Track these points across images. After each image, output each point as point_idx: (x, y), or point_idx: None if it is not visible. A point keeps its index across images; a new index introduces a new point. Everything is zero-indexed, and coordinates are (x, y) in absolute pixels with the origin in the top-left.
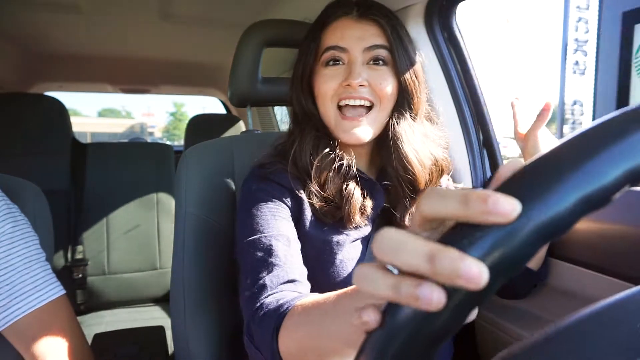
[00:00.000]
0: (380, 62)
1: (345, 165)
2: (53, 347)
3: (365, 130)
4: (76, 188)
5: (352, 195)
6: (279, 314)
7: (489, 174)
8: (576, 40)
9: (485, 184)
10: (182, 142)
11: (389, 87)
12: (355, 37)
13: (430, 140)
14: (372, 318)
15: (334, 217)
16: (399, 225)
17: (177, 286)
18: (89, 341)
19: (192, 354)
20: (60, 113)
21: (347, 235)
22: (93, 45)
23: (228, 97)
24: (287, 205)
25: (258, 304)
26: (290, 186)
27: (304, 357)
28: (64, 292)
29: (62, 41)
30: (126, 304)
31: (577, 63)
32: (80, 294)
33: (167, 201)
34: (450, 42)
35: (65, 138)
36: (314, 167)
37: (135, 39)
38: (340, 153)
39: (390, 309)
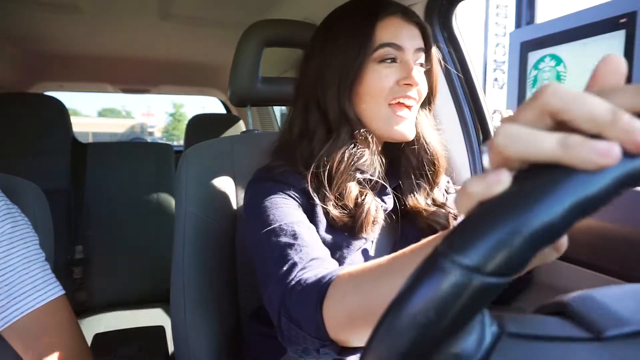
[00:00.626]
0: (422, 64)
1: (374, 176)
2: (52, 347)
3: (412, 128)
4: (76, 188)
5: (369, 207)
6: (322, 284)
7: None
8: (495, 60)
9: None
10: (181, 142)
11: (426, 88)
12: (408, 37)
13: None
14: (504, 179)
15: (346, 224)
16: (405, 226)
17: (177, 286)
18: (89, 341)
19: (192, 353)
20: (61, 113)
21: (357, 239)
22: (93, 45)
23: (228, 96)
24: (299, 203)
25: (293, 281)
26: (302, 187)
27: (351, 325)
28: (63, 292)
29: (62, 41)
30: (126, 303)
31: (496, 79)
32: (80, 294)
33: (167, 201)
34: (450, 42)
35: (65, 138)
36: (343, 174)
37: (135, 38)
38: (376, 164)
39: (535, 172)
